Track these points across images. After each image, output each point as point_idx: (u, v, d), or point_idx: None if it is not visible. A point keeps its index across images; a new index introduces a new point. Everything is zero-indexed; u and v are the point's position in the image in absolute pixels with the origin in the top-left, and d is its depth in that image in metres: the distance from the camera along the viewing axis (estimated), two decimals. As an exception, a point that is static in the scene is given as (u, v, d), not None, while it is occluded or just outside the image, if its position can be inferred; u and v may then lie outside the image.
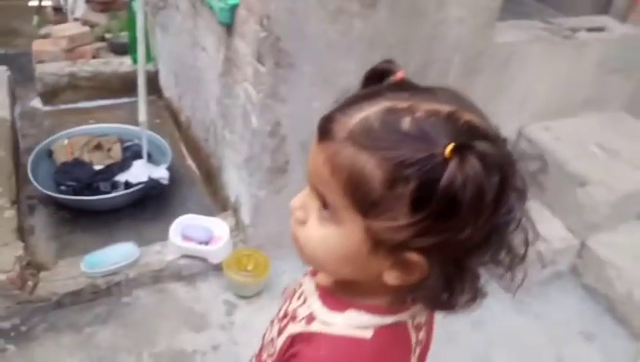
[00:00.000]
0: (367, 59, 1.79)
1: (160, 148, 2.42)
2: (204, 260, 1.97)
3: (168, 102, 2.89)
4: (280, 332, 0.71)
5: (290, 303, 0.73)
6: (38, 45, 2.92)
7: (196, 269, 1.99)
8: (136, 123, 2.82)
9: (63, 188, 2.15)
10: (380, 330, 0.63)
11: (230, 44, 1.88)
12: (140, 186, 2.16)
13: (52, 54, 2.89)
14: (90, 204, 2.10)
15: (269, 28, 1.60)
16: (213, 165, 2.31)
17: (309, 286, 0.71)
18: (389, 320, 0.63)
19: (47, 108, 2.85)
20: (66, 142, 2.32)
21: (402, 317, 0.64)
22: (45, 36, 3.63)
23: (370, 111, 0.55)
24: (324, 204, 0.59)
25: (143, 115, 2.19)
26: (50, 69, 2.81)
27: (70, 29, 2.94)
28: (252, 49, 1.70)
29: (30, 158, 2.21)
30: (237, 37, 1.81)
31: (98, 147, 2.32)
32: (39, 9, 3.75)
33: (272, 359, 0.72)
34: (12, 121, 2.49)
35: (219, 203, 2.27)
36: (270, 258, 1.99)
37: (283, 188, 1.95)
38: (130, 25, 2.94)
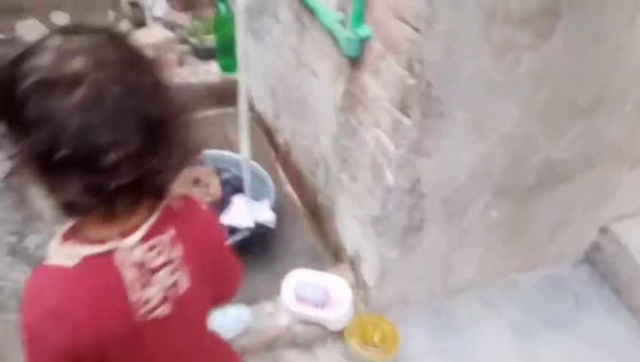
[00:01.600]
0: (532, 99, 1.43)
1: (260, 177, 2.15)
2: (322, 326, 1.72)
3: (260, 116, 2.61)
4: None
5: None
6: (120, 55, 2.69)
7: (313, 335, 1.75)
8: (227, 139, 2.61)
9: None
10: (84, 259, 0.71)
11: (355, 78, 1.56)
12: (246, 234, 1.91)
13: (135, 64, 2.66)
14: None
15: (420, 74, 1.26)
16: (321, 203, 2.02)
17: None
18: (93, 249, 0.71)
19: (133, 123, 2.65)
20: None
21: (107, 247, 0.71)
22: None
23: None
24: None
25: (245, 150, 1.92)
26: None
27: (154, 35, 2.69)
28: (392, 94, 1.37)
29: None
30: (366, 73, 1.48)
31: (196, 182, 2.09)
32: (115, 2, 3.52)
33: None
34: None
35: (329, 248, 2.00)
36: (396, 321, 1.72)
37: (415, 247, 1.65)
38: (218, 28, 2.67)
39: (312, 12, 1.73)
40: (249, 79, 2.69)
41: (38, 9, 3.56)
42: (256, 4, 2.27)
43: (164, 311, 0.78)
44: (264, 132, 2.59)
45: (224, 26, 2.59)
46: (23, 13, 3.53)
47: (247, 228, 1.92)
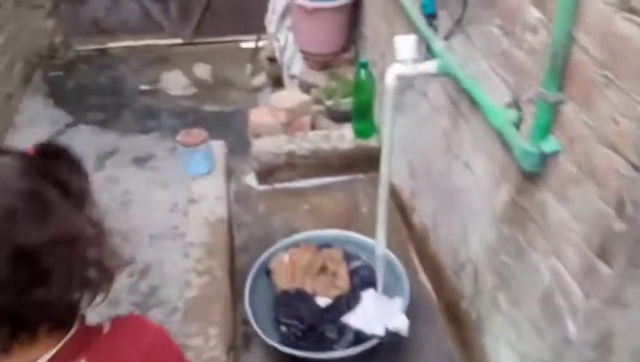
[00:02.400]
0: None
1: (393, 268, 1.92)
2: None
3: (395, 189, 2.39)
4: None
5: None
6: (255, 116, 2.64)
7: None
8: (356, 210, 2.42)
9: (283, 328, 1.78)
10: None
11: (528, 191, 1.28)
12: (374, 343, 1.69)
13: (270, 127, 2.58)
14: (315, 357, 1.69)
15: (633, 218, 0.96)
16: (465, 311, 1.74)
17: None
18: None
19: (262, 187, 2.56)
20: (286, 258, 1.95)
21: None
22: (257, 89, 3.43)
23: None
24: None
25: (381, 247, 1.71)
26: (268, 147, 2.50)
27: (290, 99, 2.60)
28: (587, 232, 1.07)
29: (248, 283, 1.88)
30: (547, 191, 1.20)
31: (323, 270, 1.91)
32: (254, 55, 3.56)
33: None
34: (229, 217, 2.23)
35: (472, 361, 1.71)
36: None
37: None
38: (356, 92, 2.52)
39: (473, 101, 1.49)
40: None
41: (183, 61, 3.70)
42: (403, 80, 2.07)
43: None
44: (398, 207, 2.36)
45: (362, 91, 2.43)
46: (169, 65, 3.69)
47: (376, 336, 1.70)
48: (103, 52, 3.83)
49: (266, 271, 1.96)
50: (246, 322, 1.91)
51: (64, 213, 0.69)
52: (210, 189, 2.31)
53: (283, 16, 3.04)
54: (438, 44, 1.60)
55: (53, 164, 0.71)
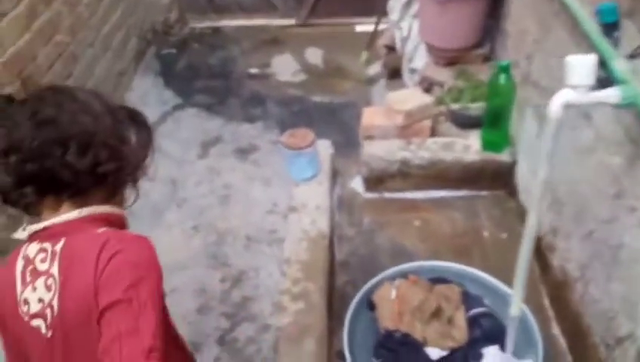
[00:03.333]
0: None
1: (523, 321, 1.59)
2: None
3: (526, 213, 2.03)
4: None
5: None
6: (369, 116, 2.37)
7: None
8: (477, 233, 2.10)
9: (385, 377, 1.54)
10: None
11: None
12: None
13: (384, 130, 2.31)
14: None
15: None
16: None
17: None
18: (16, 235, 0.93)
19: (369, 195, 2.31)
20: (393, 293, 1.69)
21: (18, 235, 0.93)
22: (371, 80, 3.15)
23: None
24: None
25: (517, 308, 1.39)
26: (380, 152, 2.23)
27: (410, 99, 2.30)
28: None
29: (347, 319, 1.65)
30: None
31: (436, 313, 1.63)
32: (371, 41, 3.26)
33: None
34: (331, 232, 2.00)
35: None
36: None
37: None
38: (492, 97, 2.16)
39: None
40: (517, 162, 2.15)
41: (295, 44, 3.50)
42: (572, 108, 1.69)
43: (42, 327, 0.86)
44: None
45: (499, 96, 2.06)
46: (280, 47, 3.50)
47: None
48: (216, 30, 3.73)
49: (369, 303, 1.72)
50: (342, 356, 1.69)
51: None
52: (312, 197, 2.09)
53: (409, 2, 2.72)
54: (620, 64, 1.23)
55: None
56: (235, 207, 2.38)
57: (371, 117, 2.37)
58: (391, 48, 2.99)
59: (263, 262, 2.12)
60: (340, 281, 1.97)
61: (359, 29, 3.62)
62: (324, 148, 2.30)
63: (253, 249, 2.18)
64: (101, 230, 0.87)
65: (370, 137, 2.33)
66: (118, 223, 0.94)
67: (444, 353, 1.55)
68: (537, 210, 1.28)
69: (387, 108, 2.34)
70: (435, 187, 2.27)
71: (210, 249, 2.16)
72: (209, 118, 2.95)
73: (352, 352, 1.56)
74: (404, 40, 2.78)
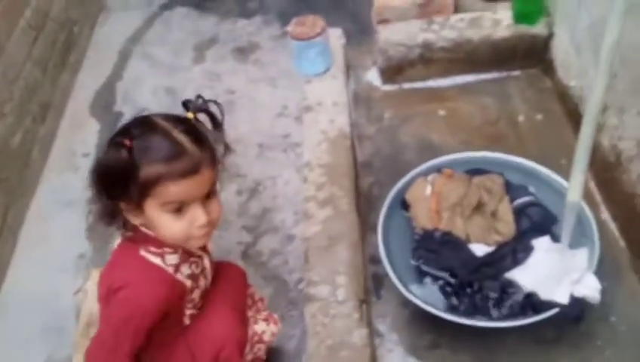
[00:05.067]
0: None
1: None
2: None
3: (565, 90, 1.83)
4: None
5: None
6: (381, -3, 2.09)
7: None
8: (511, 122, 1.91)
9: (427, 279, 1.42)
10: None
11: None
12: (552, 313, 1.28)
13: (401, 10, 2.04)
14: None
15: None
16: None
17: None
18: None
19: (387, 87, 2.09)
20: (428, 191, 1.53)
21: None
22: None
23: None
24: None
25: (576, 193, 1.23)
26: (398, 36, 1.98)
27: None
28: None
29: (381, 217, 1.51)
30: None
31: (478, 208, 1.48)
32: None
33: None
34: (352, 134, 1.81)
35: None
36: None
37: None
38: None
39: None
40: (554, 34, 1.91)
41: None
42: None
43: None
44: (569, 115, 1.82)
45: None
46: None
47: (557, 305, 1.28)
48: None
49: (402, 203, 1.57)
50: (375, 260, 1.58)
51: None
52: (327, 94, 1.88)
53: None
54: None
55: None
56: (241, 113, 2.17)
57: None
58: None
59: (278, 169, 1.95)
60: (365, 183, 1.81)
61: None
62: (335, 38, 2.05)
63: (266, 156, 2.01)
64: None
65: (385, 21, 2.07)
66: None
67: (490, 248, 1.42)
68: (606, 79, 1.08)
69: (403, -15, 2.05)
70: (461, 72, 2.05)
71: (220, 160, 1.99)
72: (201, 16, 2.65)
73: (387, 256, 1.43)
74: None
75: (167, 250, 1.08)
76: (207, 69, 2.38)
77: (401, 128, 1.95)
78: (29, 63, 2.04)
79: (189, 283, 1.13)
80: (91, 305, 1.38)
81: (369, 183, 1.82)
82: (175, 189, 0.97)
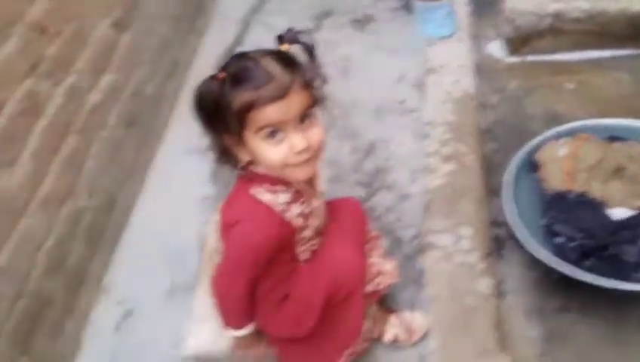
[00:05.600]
0: None
1: None
2: None
3: None
4: None
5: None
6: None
7: None
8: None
9: (559, 240, 1.35)
10: None
11: None
12: None
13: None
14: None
15: None
16: None
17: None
18: None
19: (511, 59, 2.04)
20: (562, 151, 1.47)
21: None
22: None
23: None
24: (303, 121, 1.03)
25: None
26: (527, 5, 1.92)
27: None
28: None
29: (509, 175, 1.46)
30: None
31: (617, 172, 1.40)
32: None
33: None
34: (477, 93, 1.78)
35: None
36: None
37: None
38: None
39: None
40: None
41: None
42: None
43: None
44: None
45: None
46: None
47: None
48: None
49: (531, 165, 1.52)
50: (497, 224, 1.53)
51: None
52: (452, 56, 1.86)
53: None
54: None
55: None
56: (357, 79, 2.19)
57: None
58: None
59: (393, 132, 1.95)
60: (487, 150, 1.77)
61: None
62: (460, 3, 2.02)
63: (382, 120, 2.01)
64: None
65: (513, -10, 2.01)
66: None
67: (632, 212, 1.34)
68: None
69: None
70: (593, 45, 1.96)
71: (336, 121, 2.02)
72: (316, -10, 2.71)
73: (514, 216, 1.38)
74: None
75: (277, 188, 1.11)
76: (324, 37, 2.42)
77: (525, 99, 1.89)
78: (163, 21, 2.18)
79: (299, 222, 1.14)
80: (217, 235, 1.45)
81: (491, 149, 1.77)
82: (265, 114, 0.98)
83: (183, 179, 1.95)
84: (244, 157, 1.08)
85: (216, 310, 1.23)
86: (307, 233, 1.19)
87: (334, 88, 2.16)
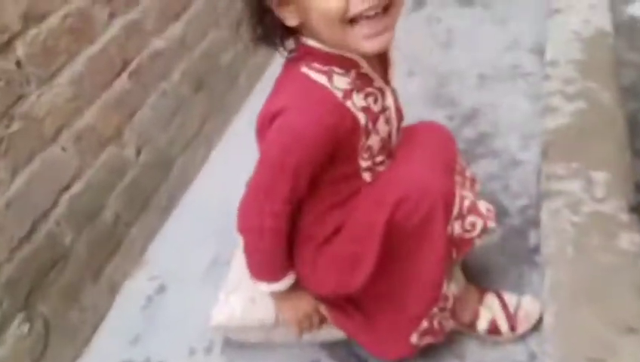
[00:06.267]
0: None
1: None
2: None
3: None
4: None
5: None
6: None
7: None
8: None
9: None
10: None
11: None
12: None
13: None
14: None
15: None
16: None
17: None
18: None
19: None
20: None
21: None
22: None
23: None
24: None
25: None
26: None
27: None
28: None
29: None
30: None
31: None
32: None
33: None
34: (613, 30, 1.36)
35: None
36: None
37: None
38: None
39: None
40: None
41: None
42: None
43: None
44: None
45: None
46: None
47: None
48: None
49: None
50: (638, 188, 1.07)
51: None
52: (582, -2, 1.47)
53: None
54: None
55: None
56: (459, 49, 1.87)
57: None
58: None
59: (502, 97, 1.58)
60: (629, 109, 1.33)
61: None
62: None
63: (487, 87, 1.65)
64: None
65: None
66: None
67: None
68: None
69: None
70: None
71: (430, 92, 1.69)
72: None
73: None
74: None
75: (335, 69, 0.81)
76: (427, 14, 2.14)
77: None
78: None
79: (362, 118, 0.82)
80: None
81: (634, 109, 1.33)
82: None
83: (249, 158, 1.71)
84: (290, 20, 0.78)
85: (245, 255, 0.93)
86: (374, 141, 0.85)
87: (432, 60, 1.87)
